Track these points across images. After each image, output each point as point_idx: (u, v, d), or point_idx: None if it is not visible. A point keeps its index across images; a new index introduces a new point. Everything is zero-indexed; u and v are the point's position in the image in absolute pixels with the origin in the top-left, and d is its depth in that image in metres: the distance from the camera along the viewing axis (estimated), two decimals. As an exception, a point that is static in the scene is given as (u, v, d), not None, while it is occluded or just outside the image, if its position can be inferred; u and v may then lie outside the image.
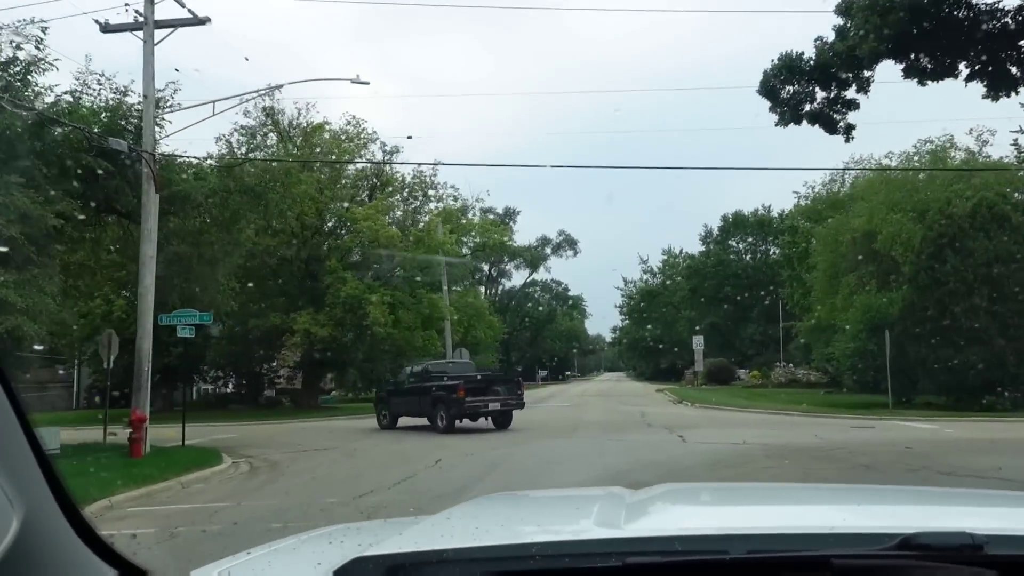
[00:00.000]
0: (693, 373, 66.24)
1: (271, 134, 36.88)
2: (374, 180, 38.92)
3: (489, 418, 23.34)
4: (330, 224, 36.52)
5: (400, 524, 2.18)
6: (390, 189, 39.01)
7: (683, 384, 63.96)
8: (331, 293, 33.35)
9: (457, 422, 22.77)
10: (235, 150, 23.51)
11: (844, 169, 49.70)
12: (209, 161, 22.66)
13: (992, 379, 30.37)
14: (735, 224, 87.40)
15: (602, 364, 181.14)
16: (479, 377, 24.53)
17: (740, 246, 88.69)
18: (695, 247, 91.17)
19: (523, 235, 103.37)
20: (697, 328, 66.94)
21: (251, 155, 23.26)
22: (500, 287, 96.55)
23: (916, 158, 42.62)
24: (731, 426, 23.51)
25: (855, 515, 2.13)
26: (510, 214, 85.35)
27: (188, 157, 20.40)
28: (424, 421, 24.11)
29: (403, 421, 25.77)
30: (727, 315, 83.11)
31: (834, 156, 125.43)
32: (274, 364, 42.34)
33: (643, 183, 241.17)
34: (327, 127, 36.56)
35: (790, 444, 17.74)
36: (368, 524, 2.63)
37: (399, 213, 39.00)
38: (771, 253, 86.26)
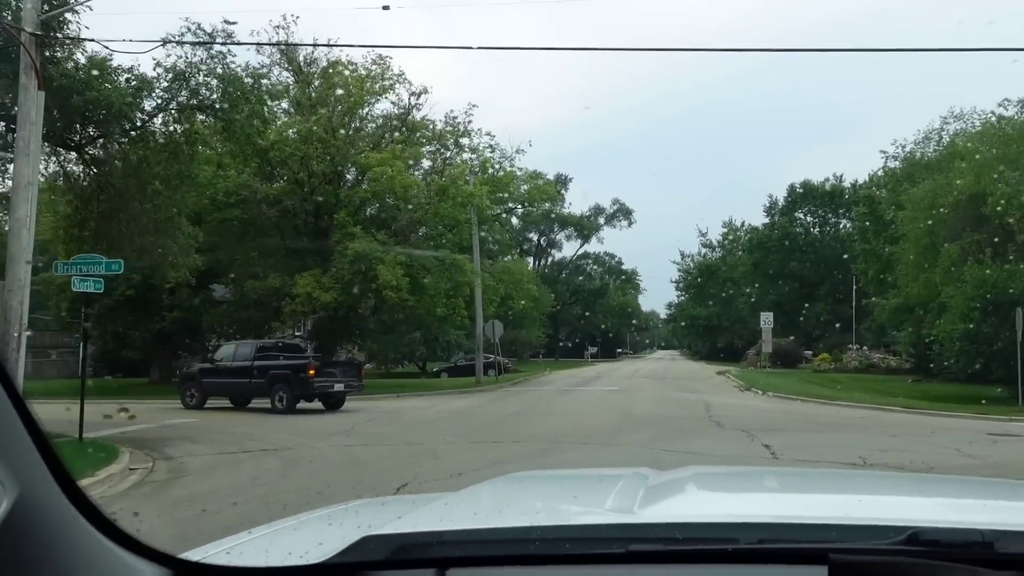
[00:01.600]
0: (756, 354, 59.85)
1: (284, 72, 31.66)
2: (400, 127, 33.38)
3: (322, 401, 22.23)
4: (344, 173, 31.06)
5: (400, 505, 2.14)
6: (417, 136, 33.41)
7: (745, 366, 57.63)
8: (338, 251, 28.04)
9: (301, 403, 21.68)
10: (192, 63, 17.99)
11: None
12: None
13: None
14: (804, 195, 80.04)
15: (655, 342, 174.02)
16: (313, 360, 23.05)
17: (808, 219, 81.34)
18: (759, 220, 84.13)
19: (576, 206, 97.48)
20: (769, 305, 60.24)
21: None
22: (550, 258, 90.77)
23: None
24: (825, 428, 17.62)
25: (864, 506, 1.99)
26: (562, 180, 79.21)
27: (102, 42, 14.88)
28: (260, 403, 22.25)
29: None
30: (792, 293, 76.21)
31: (925, 116, 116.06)
32: (280, 335, 37.36)
33: (705, 152, 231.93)
34: (348, 64, 31.15)
35: (929, 464, 11.83)
36: (366, 505, 2.33)
37: (426, 163, 33.41)
38: (842, 226, 78.92)
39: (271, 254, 30.14)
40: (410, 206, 29.39)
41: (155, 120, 17.49)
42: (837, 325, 71.21)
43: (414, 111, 33.34)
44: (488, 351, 39.44)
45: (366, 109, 32.60)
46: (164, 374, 35.21)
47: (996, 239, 33.85)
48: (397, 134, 32.75)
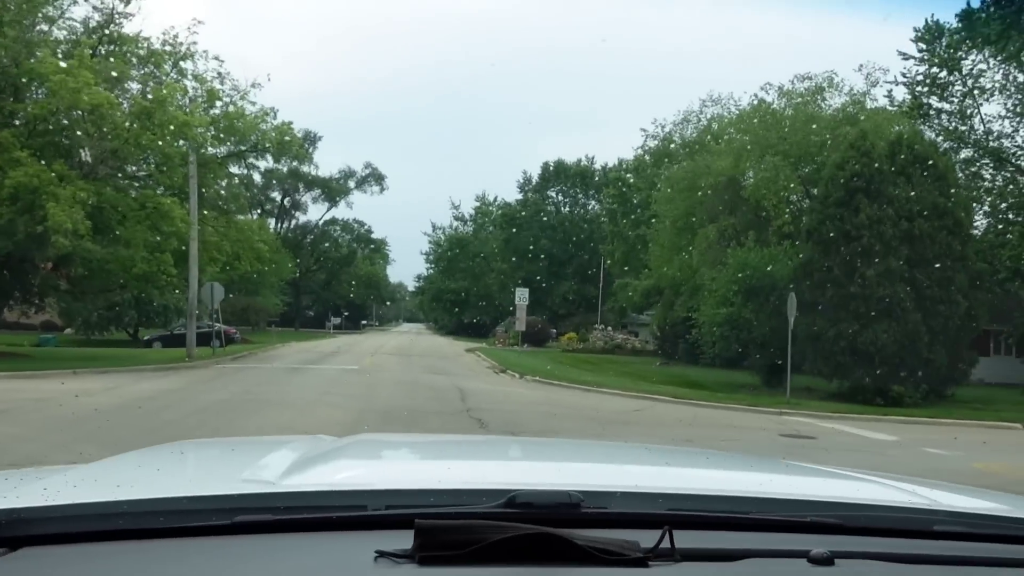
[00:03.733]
0: (505, 331, 57.55)
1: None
2: (101, 38, 26.23)
3: None
4: (17, 83, 23.53)
5: (8, 480, 1.80)
6: (124, 51, 26.42)
7: (493, 343, 55.03)
8: (-3, 184, 20.98)
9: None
10: None
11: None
12: None
13: (904, 362, 23.19)
14: (556, 173, 79.31)
15: (401, 314, 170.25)
16: None
17: (560, 197, 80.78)
18: (513, 197, 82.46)
19: (324, 167, 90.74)
20: (519, 282, 58.02)
21: None
22: (294, 221, 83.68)
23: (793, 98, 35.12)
24: (608, 425, 14.25)
25: (465, 471, 2.03)
26: (311, 139, 72.52)
27: None
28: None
29: None
30: (542, 270, 75.08)
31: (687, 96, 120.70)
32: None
33: (464, 125, 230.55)
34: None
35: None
36: None
37: (135, 86, 26.52)
38: (591, 207, 79.15)
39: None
40: (104, 130, 22.64)
41: None
42: (581, 305, 71.15)
43: (122, 20, 26.44)
44: (208, 319, 33.23)
45: (54, 8, 25.28)
46: None
47: (751, 223, 33.05)
48: (100, 49, 25.68)
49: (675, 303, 38.65)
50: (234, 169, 34.08)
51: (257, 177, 73.03)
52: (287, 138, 29.29)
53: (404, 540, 1.24)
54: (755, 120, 34.28)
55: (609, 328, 56.67)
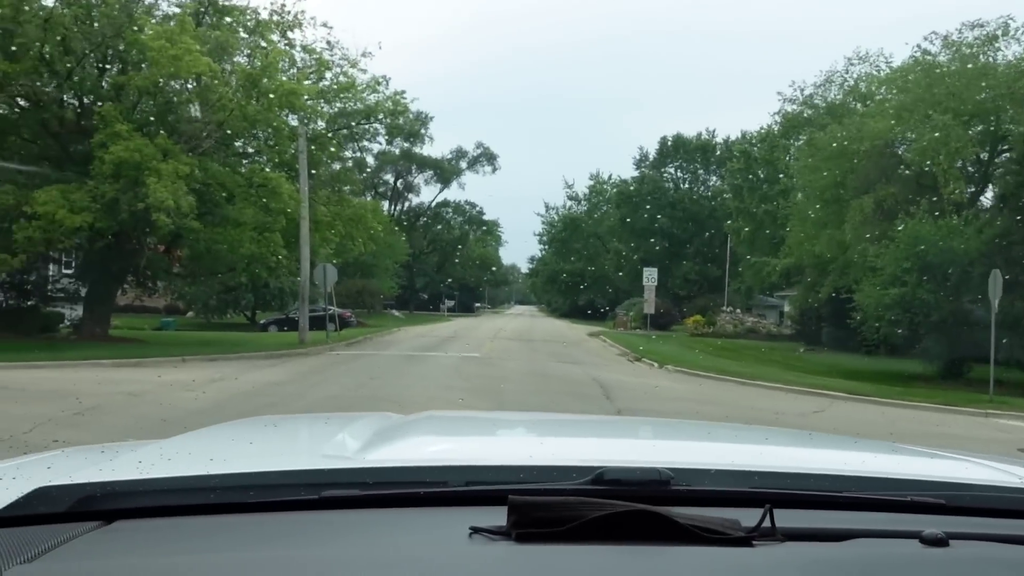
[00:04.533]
0: (627, 314, 54.49)
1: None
2: (206, 7, 24.63)
3: None
4: (119, 53, 22.11)
5: (89, 454, 1.84)
6: (229, 21, 24.76)
7: (613, 326, 52.06)
8: (98, 158, 19.53)
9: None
10: None
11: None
12: None
13: None
14: (675, 148, 75.21)
15: (513, 297, 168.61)
16: None
17: (679, 173, 76.67)
18: (629, 173, 78.88)
19: (436, 147, 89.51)
20: (637, 262, 54.83)
21: None
22: (406, 203, 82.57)
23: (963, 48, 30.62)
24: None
25: (558, 448, 2.06)
26: (422, 119, 70.81)
27: None
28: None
29: None
30: (661, 250, 71.40)
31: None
32: (51, 268, 28.18)
33: (578, 103, 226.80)
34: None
35: None
36: (63, 453, 1.95)
37: (241, 59, 24.83)
38: (712, 183, 74.80)
39: (9, 158, 21.14)
40: (208, 101, 20.93)
41: None
42: (703, 287, 67.24)
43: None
44: (323, 302, 31.72)
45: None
46: None
47: (913, 192, 28.96)
48: (205, 19, 24.12)
49: (819, 284, 34.77)
50: (347, 153, 32.16)
51: (370, 160, 72.54)
52: (400, 108, 27.10)
53: (494, 516, 1.21)
54: (913, 76, 30.05)
55: (737, 310, 52.90)
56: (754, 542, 1.20)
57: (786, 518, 1.25)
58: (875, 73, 36.33)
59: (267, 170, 22.47)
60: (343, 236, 27.37)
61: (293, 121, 24.64)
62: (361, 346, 27.03)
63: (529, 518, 1.18)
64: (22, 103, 20.66)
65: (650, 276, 38.69)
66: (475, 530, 1.21)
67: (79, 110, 22.13)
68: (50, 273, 29.26)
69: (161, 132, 20.08)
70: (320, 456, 1.73)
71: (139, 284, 27.11)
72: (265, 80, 20.88)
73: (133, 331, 32.38)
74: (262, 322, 41.84)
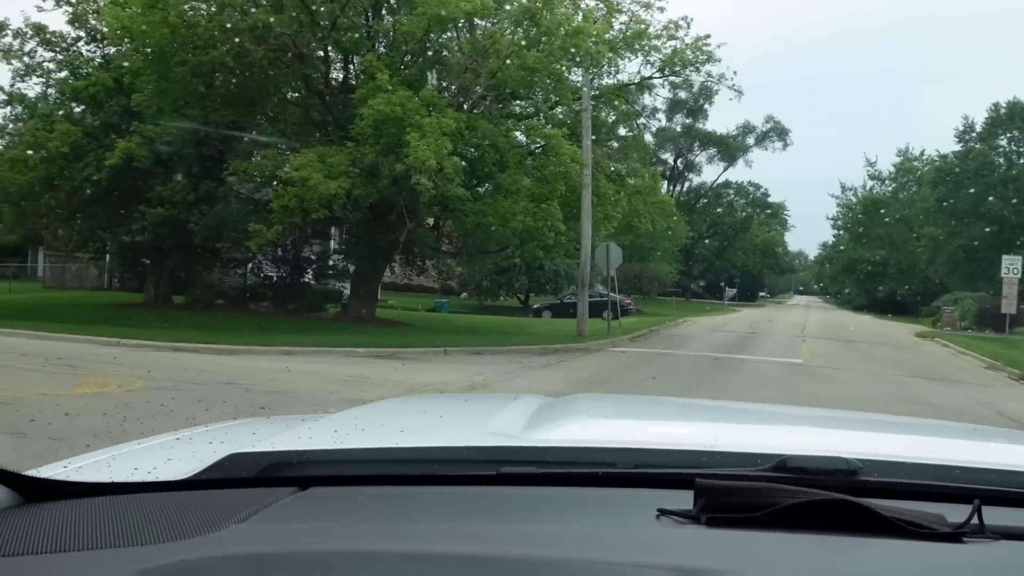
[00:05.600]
0: (952, 311, 45.42)
1: None
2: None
3: None
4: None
5: (288, 422, 1.92)
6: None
7: (939, 325, 43.36)
8: (358, 115, 16.76)
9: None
10: None
11: None
12: None
13: None
14: (1010, 116, 62.81)
15: (792, 286, 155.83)
16: None
17: (1014, 147, 64.10)
18: (949, 147, 67.34)
19: (718, 126, 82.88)
20: (959, 251, 45.64)
21: None
22: (686, 183, 77.00)
23: None
24: None
25: (736, 434, 1.97)
26: (705, 92, 64.71)
27: None
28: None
29: None
30: (986, 237, 59.94)
31: None
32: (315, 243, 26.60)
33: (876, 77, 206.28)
34: None
35: None
36: (221, 426, 2.00)
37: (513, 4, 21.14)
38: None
39: (274, 120, 19.18)
40: (479, 47, 17.45)
41: None
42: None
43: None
44: (601, 286, 27.85)
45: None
46: (162, 294, 25.36)
47: None
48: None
49: None
50: (621, 131, 27.47)
51: (649, 138, 67.74)
52: (701, 57, 22.15)
53: (677, 500, 1.19)
54: None
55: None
56: (964, 539, 1.10)
57: (995, 516, 1.15)
58: None
59: (547, 127, 18.64)
60: (627, 212, 23.10)
61: (574, 77, 20.70)
62: (648, 341, 22.59)
63: (718, 502, 1.14)
64: (284, 59, 18.43)
65: (1012, 266, 30.59)
66: (662, 512, 1.18)
67: (344, 67, 19.71)
68: (331, 247, 28.03)
69: (428, 85, 16.88)
70: (487, 433, 1.69)
71: (407, 262, 24.70)
72: (547, 15, 16.97)
73: (405, 312, 30.60)
74: (535, 307, 38.93)
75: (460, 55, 17.93)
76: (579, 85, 20.07)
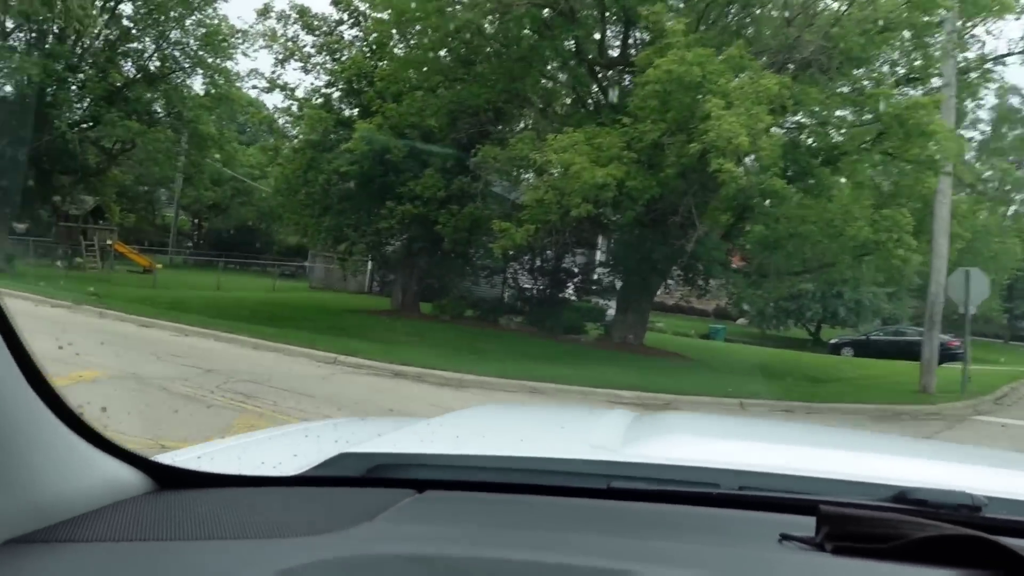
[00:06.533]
0: None
1: None
2: None
3: None
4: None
5: (378, 424, 2.01)
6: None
7: None
8: (637, 83, 12.70)
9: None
10: None
11: None
12: None
13: None
14: None
15: None
16: None
17: None
18: None
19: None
20: None
21: None
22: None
23: None
24: None
25: (852, 462, 1.84)
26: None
27: None
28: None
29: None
30: None
31: None
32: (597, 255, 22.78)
33: None
34: None
35: None
36: (344, 421, 2.22)
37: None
38: None
39: (533, 104, 15.65)
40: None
41: None
42: None
43: None
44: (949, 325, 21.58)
45: None
46: (409, 301, 22.98)
47: None
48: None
49: None
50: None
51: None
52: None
53: (797, 525, 1.17)
54: None
55: None
56: None
57: None
58: None
59: (908, 92, 13.40)
60: (980, 232, 17.00)
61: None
62: (1020, 407, 16.25)
63: (843, 531, 1.12)
64: (550, 19, 14.81)
65: None
66: (784, 536, 1.17)
67: (623, 37, 15.76)
68: (596, 258, 24.31)
69: (737, 43, 12.39)
70: (590, 447, 1.68)
71: (687, 280, 20.23)
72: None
73: (676, 340, 26.11)
74: (833, 342, 32.54)
75: (779, 7, 13.24)
76: (938, 47, 14.45)
